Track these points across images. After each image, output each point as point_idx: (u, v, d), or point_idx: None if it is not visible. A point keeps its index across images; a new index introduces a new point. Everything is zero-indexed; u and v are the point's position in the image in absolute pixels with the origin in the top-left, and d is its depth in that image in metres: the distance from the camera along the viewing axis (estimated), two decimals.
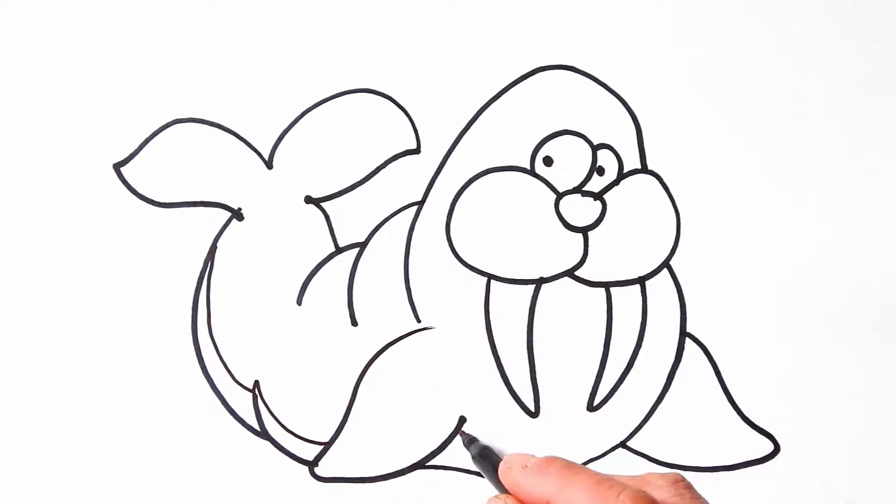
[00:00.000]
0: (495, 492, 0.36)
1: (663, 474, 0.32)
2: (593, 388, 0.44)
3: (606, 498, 0.29)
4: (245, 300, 0.43)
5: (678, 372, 0.44)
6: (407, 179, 0.43)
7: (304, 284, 0.43)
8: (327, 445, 0.42)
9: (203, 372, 0.42)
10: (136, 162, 0.42)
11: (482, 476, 0.41)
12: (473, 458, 0.40)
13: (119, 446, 0.42)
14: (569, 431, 0.44)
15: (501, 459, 0.35)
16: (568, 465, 0.31)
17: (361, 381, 0.42)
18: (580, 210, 0.44)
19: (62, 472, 0.42)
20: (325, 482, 0.42)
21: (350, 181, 0.43)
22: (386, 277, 0.43)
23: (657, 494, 0.30)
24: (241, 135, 0.43)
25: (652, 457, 0.44)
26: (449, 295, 0.43)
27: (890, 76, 0.44)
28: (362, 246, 0.43)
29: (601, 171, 0.44)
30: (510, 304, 0.43)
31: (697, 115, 0.44)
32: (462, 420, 0.43)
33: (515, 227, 0.43)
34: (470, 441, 0.41)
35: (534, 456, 0.33)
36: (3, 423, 0.42)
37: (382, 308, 0.43)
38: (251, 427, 0.42)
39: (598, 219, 0.44)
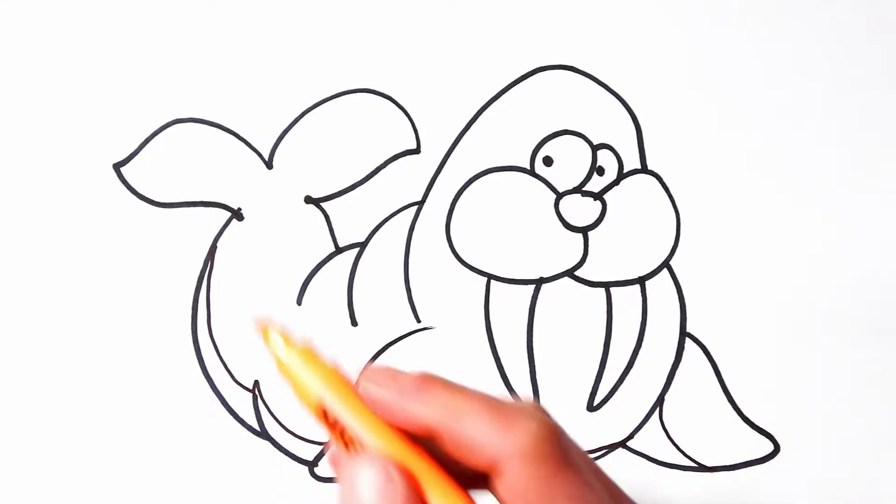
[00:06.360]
0: None
1: (523, 403, 0.28)
2: (593, 388, 0.44)
3: (507, 423, 0.25)
4: (245, 300, 0.43)
5: (678, 372, 0.44)
6: (407, 179, 0.43)
7: (304, 284, 0.43)
8: (327, 445, 0.42)
9: (203, 372, 0.42)
10: (136, 162, 0.42)
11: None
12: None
13: (119, 446, 0.42)
14: (569, 431, 0.44)
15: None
16: (452, 386, 0.27)
17: None
18: (580, 210, 0.44)
19: (62, 472, 0.42)
20: (325, 482, 0.42)
21: (350, 181, 0.43)
22: (386, 277, 0.43)
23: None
24: (241, 135, 0.43)
25: (652, 457, 0.44)
26: (449, 295, 0.43)
27: (890, 76, 0.44)
28: (362, 246, 0.43)
29: (601, 171, 0.44)
30: (510, 304, 0.43)
31: (697, 115, 0.44)
32: None
33: (515, 227, 0.43)
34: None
35: (397, 369, 0.27)
36: (2, 422, 0.42)
37: (382, 308, 0.43)
38: (251, 427, 0.42)
39: (598, 219, 0.44)
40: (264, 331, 0.29)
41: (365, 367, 0.28)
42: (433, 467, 0.26)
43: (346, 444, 0.27)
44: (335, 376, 0.28)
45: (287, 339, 0.29)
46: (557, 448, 0.26)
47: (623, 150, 0.44)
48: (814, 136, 0.44)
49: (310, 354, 0.29)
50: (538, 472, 0.25)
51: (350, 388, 0.27)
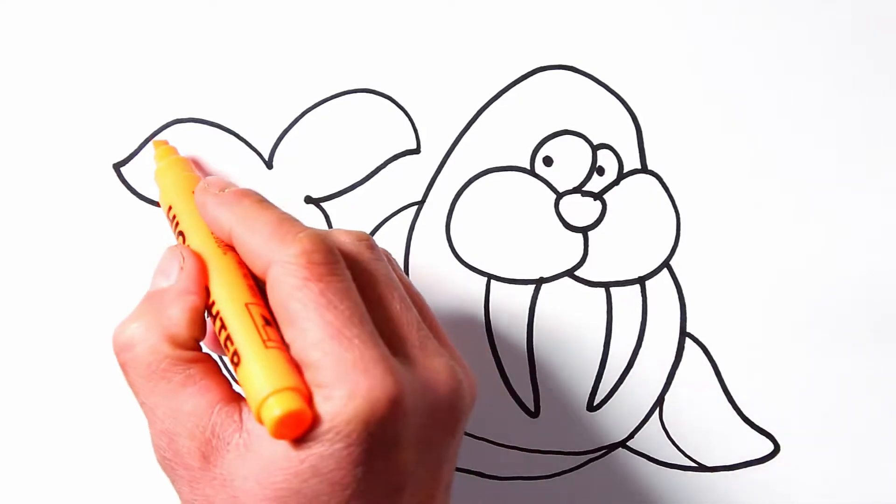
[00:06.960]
0: None
1: (348, 230, 0.31)
2: (593, 388, 0.44)
3: (284, 236, 0.28)
4: None
5: (678, 372, 0.44)
6: (407, 179, 0.43)
7: None
8: None
9: None
10: (136, 162, 0.42)
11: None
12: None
13: (119, 446, 0.42)
14: (569, 431, 0.44)
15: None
16: (260, 202, 0.30)
17: None
18: (580, 210, 0.44)
19: (61, 472, 0.42)
20: None
21: (350, 181, 0.43)
22: None
23: (339, 243, 0.30)
24: (241, 135, 0.43)
25: (652, 457, 0.44)
26: (449, 295, 0.43)
27: (890, 76, 0.44)
28: None
29: (601, 171, 0.44)
30: (510, 304, 0.43)
31: (697, 115, 0.44)
32: None
33: (515, 227, 0.43)
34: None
35: (228, 182, 0.31)
36: (1, 422, 0.42)
37: None
38: None
39: (598, 219, 0.44)
40: (154, 144, 0.34)
41: (210, 178, 0.32)
42: (233, 267, 0.30)
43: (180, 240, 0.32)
44: (186, 184, 0.32)
45: (168, 151, 0.34)
46: (318, 258, 0.27)
47: (623, 150, 0.44)
48: (814, 136, 0.44)
49: (179, 165, 0.33)
50: (291, 279, 0.27)
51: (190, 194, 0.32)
